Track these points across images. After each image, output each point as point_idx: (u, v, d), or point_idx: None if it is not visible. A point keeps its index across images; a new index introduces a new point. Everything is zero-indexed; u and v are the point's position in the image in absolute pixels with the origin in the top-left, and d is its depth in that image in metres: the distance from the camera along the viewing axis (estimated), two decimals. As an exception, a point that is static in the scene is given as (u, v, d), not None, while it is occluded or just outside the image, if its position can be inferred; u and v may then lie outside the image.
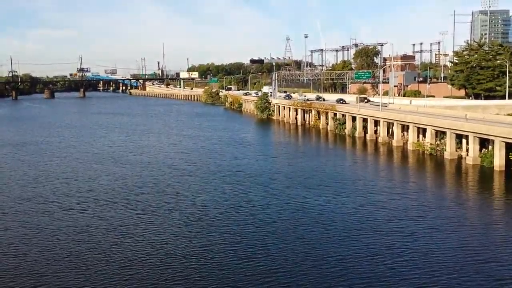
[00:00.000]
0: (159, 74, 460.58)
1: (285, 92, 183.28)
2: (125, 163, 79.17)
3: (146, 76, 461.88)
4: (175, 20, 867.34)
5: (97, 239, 41.99)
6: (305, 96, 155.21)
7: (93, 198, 55.98)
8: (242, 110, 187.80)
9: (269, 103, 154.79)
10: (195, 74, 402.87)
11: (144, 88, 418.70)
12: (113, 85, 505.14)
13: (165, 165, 76.64)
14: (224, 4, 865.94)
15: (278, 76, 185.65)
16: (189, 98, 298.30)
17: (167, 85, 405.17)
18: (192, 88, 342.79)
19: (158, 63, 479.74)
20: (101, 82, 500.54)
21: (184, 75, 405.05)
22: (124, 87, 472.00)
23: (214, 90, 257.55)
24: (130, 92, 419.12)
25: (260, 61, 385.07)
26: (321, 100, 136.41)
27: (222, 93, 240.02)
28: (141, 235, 42.91)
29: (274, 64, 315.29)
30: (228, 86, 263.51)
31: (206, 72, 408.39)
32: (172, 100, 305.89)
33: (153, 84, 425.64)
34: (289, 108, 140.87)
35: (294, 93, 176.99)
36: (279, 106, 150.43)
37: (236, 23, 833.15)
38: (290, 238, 41.42)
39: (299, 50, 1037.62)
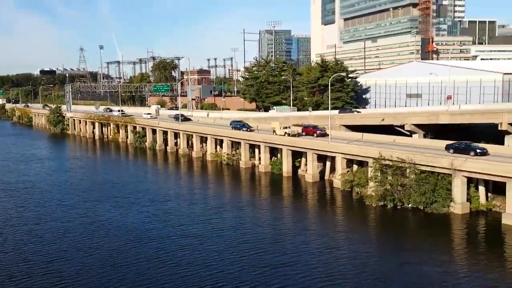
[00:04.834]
0: None
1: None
2: None
3: None
4: None
5: None
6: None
7: None
8: (32, 124, 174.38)
9: (63, 117, 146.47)
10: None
11: None
12: None
13: None
14: (7, 11, 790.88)
15: (72, 88, 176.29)
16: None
17: None
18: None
19: None
20: None
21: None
22: None
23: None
24: None
25: (52, 72, 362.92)
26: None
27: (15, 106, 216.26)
28: None
29: (67, 75, 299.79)
30: (16, 99, 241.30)
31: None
32: None
33: None
34: (86, 121, 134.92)
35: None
36: (74, 119, 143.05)
37: (23, 32, 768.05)
38: (87, 248, 40.94)
39: (95, 61, 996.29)
